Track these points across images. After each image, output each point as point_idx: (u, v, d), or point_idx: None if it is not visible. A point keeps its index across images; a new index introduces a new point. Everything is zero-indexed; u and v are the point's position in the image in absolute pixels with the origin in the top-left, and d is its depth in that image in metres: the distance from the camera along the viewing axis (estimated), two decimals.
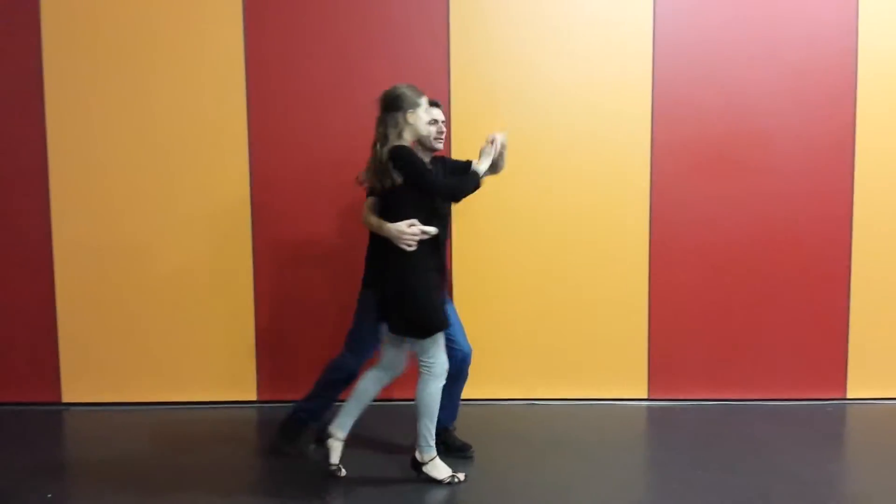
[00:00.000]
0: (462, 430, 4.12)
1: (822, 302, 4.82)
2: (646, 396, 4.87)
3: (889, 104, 4.73)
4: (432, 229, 3.50)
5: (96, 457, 4.02)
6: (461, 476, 3.64)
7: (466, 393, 4.78)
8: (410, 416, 3.71)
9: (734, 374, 4.85)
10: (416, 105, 3.57)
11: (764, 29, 4.69)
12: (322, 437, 3.74)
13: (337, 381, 3.96)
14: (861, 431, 4.47)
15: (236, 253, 4.72)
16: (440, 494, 3.52)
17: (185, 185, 4.69)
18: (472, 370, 4.78)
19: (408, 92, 3.57)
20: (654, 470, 3.88)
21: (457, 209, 4.68)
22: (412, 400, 3.62)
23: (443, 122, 3.87)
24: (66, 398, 4.81)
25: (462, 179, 3.61)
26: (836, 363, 4.86)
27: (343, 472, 3.68)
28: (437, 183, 3.52)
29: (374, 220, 3.62)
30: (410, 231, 3.47)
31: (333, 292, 4.72)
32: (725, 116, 4.71)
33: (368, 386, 3.69)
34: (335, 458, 3.69)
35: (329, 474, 3.67)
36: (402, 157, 3.47)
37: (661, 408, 4.78)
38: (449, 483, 3.60)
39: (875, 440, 4.26)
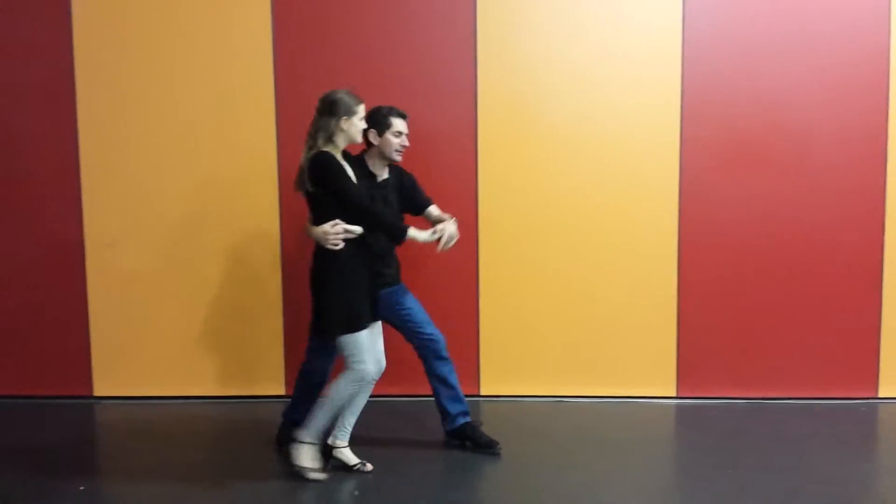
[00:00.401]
0: (489, 427, 4.12)
1: (853, 299, 4.75)
2: (674, 395, 4.83)
3: None
4: (357, 228, 3.54)
5: (127, 450, 4.08)
6: (321, 476, 3.62)
7: (493, 389, 4.82)
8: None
9: (764, 373, 4.80)
10: (351, 112, 3.57)
11: (795, 22, 4.62)
12: (328, 453, 3.74)
13: (313, 386, 4.01)
14: (893, 430, 4.41)
15: (265, 247, 4.75)
16: (468, 488, 3.52)
17: (215, 181, 4.72)
18: (498, 367, 4.82)
19: (345, 98, 3.57)
20: (683, 469, 3.86)
21: (483, 207, 4.70)
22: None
23: (406, 135, 3.88)
24: (97, 392, 4.87)
25: (390, 220, 3.63)
26: (867, 361, 4.79)
27: (369, 467, 3.70)
28: (354, 195, 3.53)
29: (307, 225, 3.68)
30: (334, 231, 3.51)
31: None
32: (756, 111, 4.65)
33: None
34: (353, 459, 3.72)
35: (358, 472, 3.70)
36: (322, 164, 3.49)
37: (690, 406, 4.74)
38: (300, 474, 3.61)
39: None
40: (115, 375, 4.85)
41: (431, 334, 3.99)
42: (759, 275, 4.74)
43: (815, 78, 4.64)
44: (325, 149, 3.53)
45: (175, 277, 4.78)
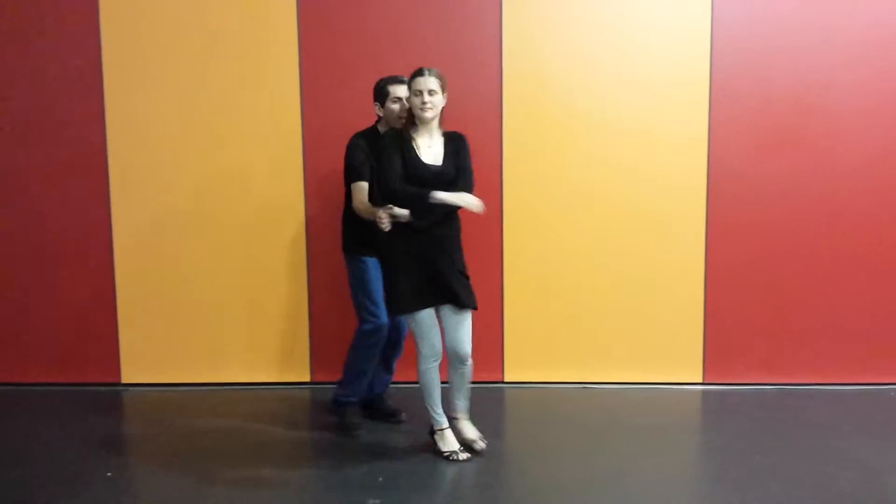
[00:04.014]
0: (515, 412, 4.10)
1: (884, 284, 4.69)
2: (701, 381, 4.79)
3: None
4: (402, 212, 3.56)
5: (155, 437, 4.09)
6: (463, 456, 3.67)
7: (518, 376, 4.79)
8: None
9: (793, 358, 4.75)
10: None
11: (827, 3, 4.54)
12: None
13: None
14: None
15: (291, 236, 4.76)
16: (493, 474, 3.50)
17: (242, 170, 4.73)
18: (523, 354, 4.78)
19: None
20: (711, 455, 3.81)
21: (510, 190, 4.66)
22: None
23: (406, 98, 3.81)
24: (125, 379, 4.91)
25: (413, 194, 3.58)
26: None
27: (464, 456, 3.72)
28: (387, 177, 3.59)
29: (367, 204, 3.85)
30: (381, 214, 3.57)
31: None
32: (786, 92, 4.58)
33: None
34: (450, 445, 3.75)
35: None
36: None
37: (717, 392, 4.70)
38: (448, 458, 3.66)
39: None
40: (142, 363, 4.88)
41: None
42: (787, 260, 4.68)
43: (847, 59, 4.56)
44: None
45: (201, 265, 4.80)
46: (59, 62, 4.71)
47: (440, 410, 3.75)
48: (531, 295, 4.77)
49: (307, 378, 4.85)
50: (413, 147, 3.61)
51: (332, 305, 4.77)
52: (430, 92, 3.60)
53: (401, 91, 3.85)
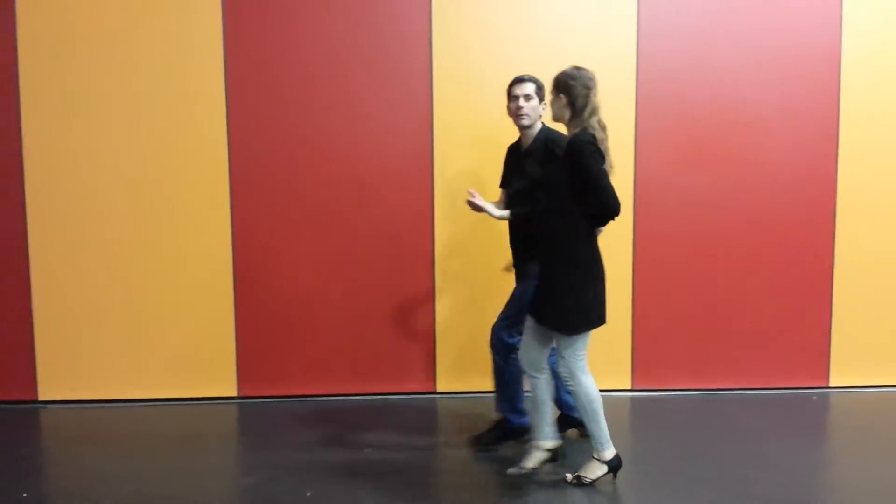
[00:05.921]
0: (449, 423, 4.08)
1: (805, 291, 4.82)
2: (629, 387, 4.85)
3: (872, 95, 4.75)
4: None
5: (73, 456, 3.95)
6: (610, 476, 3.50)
7: (455, 385, 4.78)
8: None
9: (718, 364, 4.85)
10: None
11: (749, 18, 4.68)
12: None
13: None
14: (844, 419, 4.47)
15: (216, 248, 4.66)
16: (420, 486, 3.47)
17: (164, 183, 4.62)
18: (460, 363, 4.76)
19: None
20: (639, 460, 3.85)
21: (439, 203, 4.66)
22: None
23: (525, 96, 3.75)
24: (42, 396, 4.73)
25: None
26: (819, 352, 4.87)
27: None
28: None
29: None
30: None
31: (313, 287, 4.68)
32: (710, 106, 4.70)
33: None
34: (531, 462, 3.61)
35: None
36: None
37: (645, 398, 4.77)
38: (593, 483, 3.47)
39: (858, 428, 4.26)
40: (60, 379, 4.71)
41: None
42: (712, 268, 4.78)
43: (769, 73, 4.71)
44: None
45: (122, 277, 4.66)
46: None
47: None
48: (465, 305, 4.76)
49: (234, 393, 4.75)
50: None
51: (259, 317, 4.69)
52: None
53: (517, 89, 3.79)
